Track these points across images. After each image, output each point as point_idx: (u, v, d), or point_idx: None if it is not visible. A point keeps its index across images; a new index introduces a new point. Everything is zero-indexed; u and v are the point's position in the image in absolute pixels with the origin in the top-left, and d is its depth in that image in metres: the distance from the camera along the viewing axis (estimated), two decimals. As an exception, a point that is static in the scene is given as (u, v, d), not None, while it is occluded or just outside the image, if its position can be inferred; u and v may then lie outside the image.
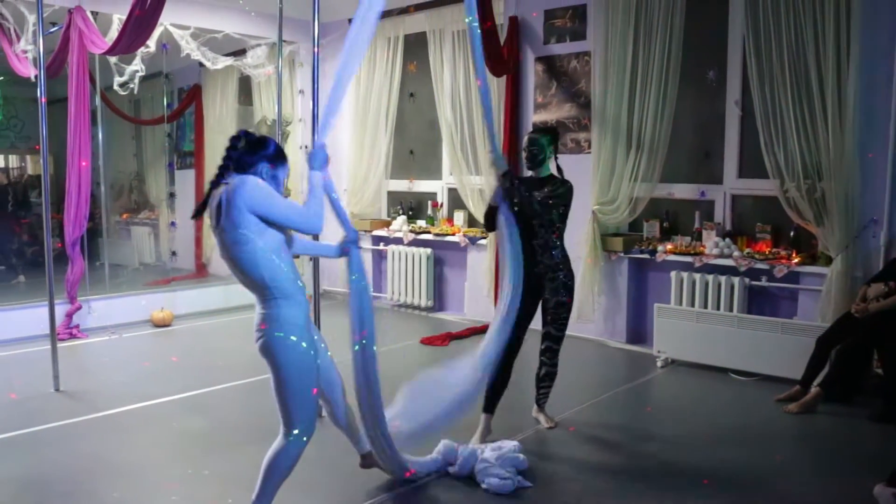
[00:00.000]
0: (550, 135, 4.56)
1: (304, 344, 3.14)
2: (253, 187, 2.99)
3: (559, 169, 4.58)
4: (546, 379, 4.69)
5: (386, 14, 8.30)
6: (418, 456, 3.95)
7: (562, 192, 4.42)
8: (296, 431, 3.17)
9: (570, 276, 4.55)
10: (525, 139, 4.56)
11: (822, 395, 5.01)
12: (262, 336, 3.13)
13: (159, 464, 4.17)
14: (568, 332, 6.83)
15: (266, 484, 3.20)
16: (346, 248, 3.60)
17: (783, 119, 5.67)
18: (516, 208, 4.37)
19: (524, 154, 4.54)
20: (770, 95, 5.72)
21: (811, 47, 5.48)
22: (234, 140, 3.15)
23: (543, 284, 4.50)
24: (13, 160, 13.07)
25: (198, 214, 3.21)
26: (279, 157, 3.21)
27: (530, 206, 4.32)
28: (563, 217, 4.50)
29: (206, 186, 3.18)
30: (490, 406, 4.48)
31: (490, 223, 4.44)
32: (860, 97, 5.33)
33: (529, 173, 4.62)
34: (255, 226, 3.00)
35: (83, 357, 6.55)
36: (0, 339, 6.82)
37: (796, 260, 5.78)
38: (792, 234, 5.96)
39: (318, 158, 3.33)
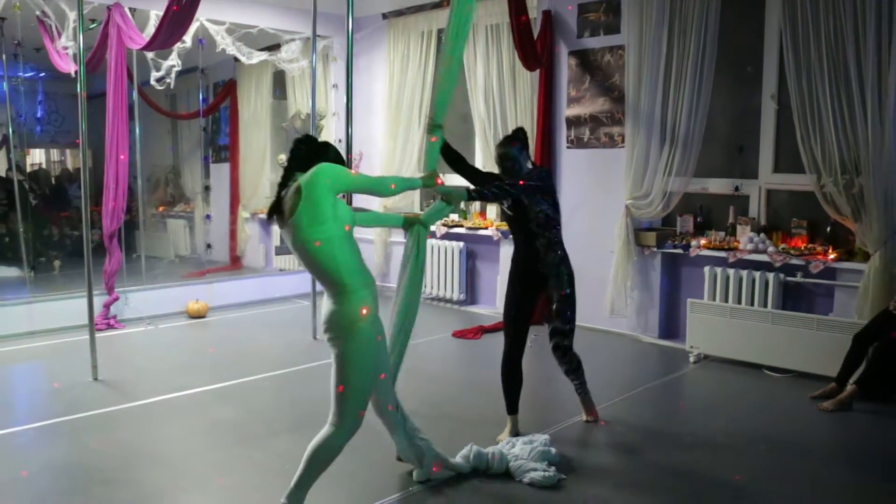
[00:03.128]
0: (519, 141, 4.32)
1: (369, 341, 3.24)
2: (330, 166, 3.20)
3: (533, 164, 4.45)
4: (570, 374, 4.63)
5: (419, 8, 8.35)
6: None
7: (542, 176, 4.25)
8: (343, 424, 3.25)
9: (570, 271, 4.44)
10: (495, 155, 4.38)
11: (857, 392, 4.95)
12: (328, 332, 3.24)
13: (195, 452, 4.25)
14: (601, 326, 6.84)
15: (306, 472, 3.27)
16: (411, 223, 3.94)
17: (820, 112, 5.58)
18: (509, 212, 4.37)
19: (499, 170, 4.39)
20: (807, 88, 5.63)
21: (850, 39, 5.38)
22: (298, 142, 3.34)
23: (548, 282, 4.41)
24: (54, 154, 13.33)
25: (271, 214, 3.28)
26: (337, 161, 3.34)
27: (514, 193, 4.18)
28: (556, 207, 4.34)
29: (275, 189, 3.34)
30: (512, 407, 4.45)
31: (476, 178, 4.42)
32: (901, 90, 5.24)
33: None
34: (330, 209, 3.14)
35: (120, 347, 6.66)
36: (41, 329, 6.98)
37: (833, 256, 5.71)
38: (828, 229, 5.88)
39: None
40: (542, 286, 4.45)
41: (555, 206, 4.34)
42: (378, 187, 3.48)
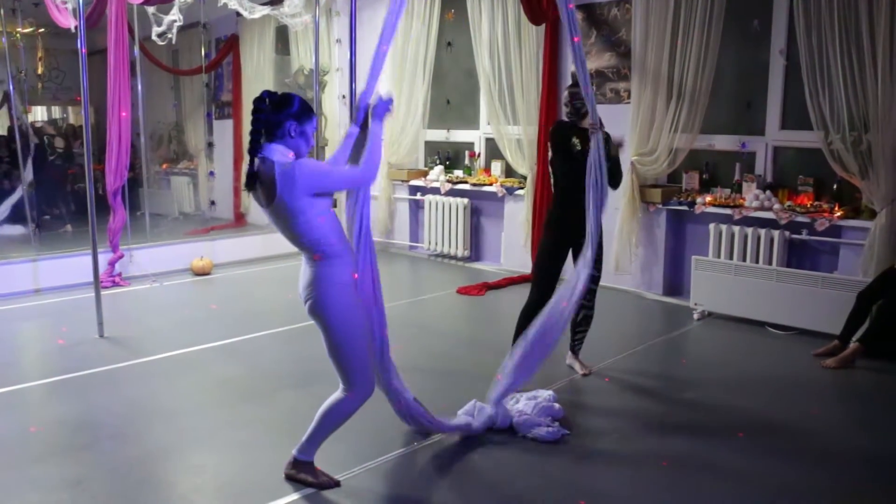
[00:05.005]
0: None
1: (351, 304, 3.22)
2: (308, 173, 3.02)
3: None
4: (583, 323, 4.74)
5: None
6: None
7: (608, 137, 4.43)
8: (353, 390, 3.27)
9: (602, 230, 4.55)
10: (567, 93, 4.59)
11: (861, 350, 4.96)
12: (310, 297, 3.20)
13: (201, 408, 4.29)
14: (605, 282, 6.81)
15: (317, 432, 3.33)
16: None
17: (830, 68, 5.50)
18: (581, 158, 4.38)
19: (566, 108, 4.59)
20: (817, 44, 5.55)
21: (863, -7, 5.29)
22: (259, 102, 3.12)
23: (583, 233, 4.43)
24: (55, 111, 13.25)
25: (249, 186, 3.12)
26: (304, 113, 3.16)
27: (607, 151, 4.35)
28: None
29: (246, 155, 3.17)
30: None
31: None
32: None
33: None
34: (308, 200, 3.04)
35: (126, 304, 6.70)
36: (47, 287, 7.02)
37: (839, 213, 5.68)
38: (835, 186, 5.84)
39: (381, 109, 3.45)
40: (580, 243, 4.46)
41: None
42: (359, 179, 3.31)
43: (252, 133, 3.08)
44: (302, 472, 3.36)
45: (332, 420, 3.31)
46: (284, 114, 3.11)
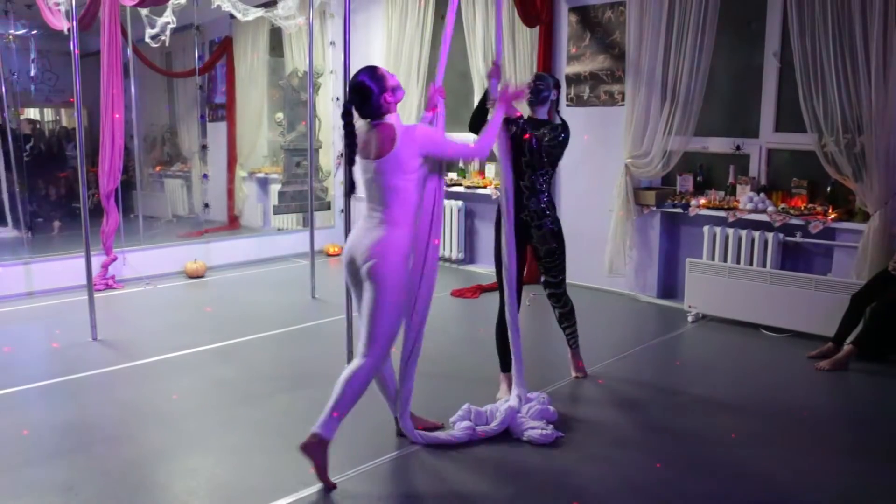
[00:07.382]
0: (556, 81, 4.54)
1: (405, 275, 3.44)
2: (424, 135, 3.43)
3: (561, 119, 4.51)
4: (563, 320, 4.70)
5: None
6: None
7: (561, 136, 4.30)
8: (371, 355, 3.39)
9: (556, 222, 4.44)
10: (532, 75, 4.60)
11: (854, 352, 4.98)
12: (374, 258, 3.35)
13: (196, 411, 4.27)
14: (599, 285, 6.85)
15: (341, 400, 3.37)
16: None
17: (823, 71, 5.51)
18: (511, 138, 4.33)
19: (527, 88, 4.41)
20: (811, 46, 5.56)
21: (856, -5, 5.30)
22: (348, 116, 3.38)
23: (530, 233, 4.41)
24: (48, 113, 13.19)
25: (352, 191, 3.57)
26: (381, 81, 3.38)
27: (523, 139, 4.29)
28: (555, 162, 4.37)
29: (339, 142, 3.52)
30: (505, 365, 4.45)
31: (476, 124, 4.27)
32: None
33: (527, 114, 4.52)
34: (417, 163, 3.40)
35: (119, 307, 6.67)
36: (39, 290, 6.99)
37: (832, 216, 5.69)
38: (829, 189, 5.85)
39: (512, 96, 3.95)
40: (528, 236, 4.43)
41: (555, 160, 4.37)
42: (470, 153, 3.71)
43: (347, 146, 3.43)
44: (318, 452, 3.32)
45: (354, 387, 3.38)
46: (375, 98, 3.37)
